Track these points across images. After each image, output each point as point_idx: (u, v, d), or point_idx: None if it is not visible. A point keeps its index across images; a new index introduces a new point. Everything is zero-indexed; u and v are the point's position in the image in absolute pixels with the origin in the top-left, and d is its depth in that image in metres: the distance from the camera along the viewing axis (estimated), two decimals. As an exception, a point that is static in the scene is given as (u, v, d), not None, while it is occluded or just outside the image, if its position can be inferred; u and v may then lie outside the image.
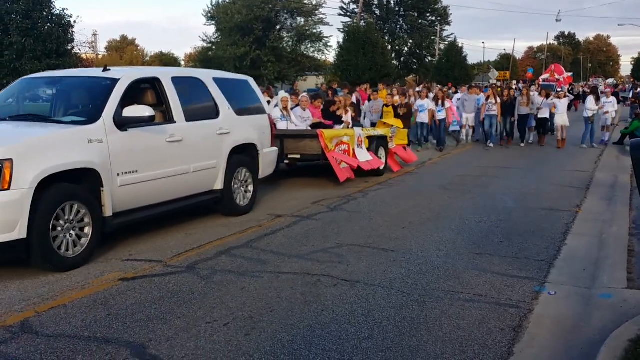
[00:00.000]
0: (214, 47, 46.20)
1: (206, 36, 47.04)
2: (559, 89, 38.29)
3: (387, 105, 15.11)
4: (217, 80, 8.12)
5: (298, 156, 10.40)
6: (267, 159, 8.87)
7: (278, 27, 46.23)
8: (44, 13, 23.78)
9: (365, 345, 4.11)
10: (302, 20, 46.93)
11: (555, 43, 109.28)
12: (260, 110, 8.85)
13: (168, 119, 7.12)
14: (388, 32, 54.46)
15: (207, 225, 7.61)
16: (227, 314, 4.65)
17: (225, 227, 7.55)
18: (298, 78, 44.73)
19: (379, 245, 6.67)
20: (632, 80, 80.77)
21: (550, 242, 6.78)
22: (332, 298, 4.99)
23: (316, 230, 7.40)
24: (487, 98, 17.06)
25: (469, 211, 8.46)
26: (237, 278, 5.52)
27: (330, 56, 47.08)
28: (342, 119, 12.44)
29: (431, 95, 18.38)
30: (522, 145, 17.36)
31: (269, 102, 15.01)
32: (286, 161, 10.59)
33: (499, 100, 16.89)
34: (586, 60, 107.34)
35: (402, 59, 55.89)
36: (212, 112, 7.81)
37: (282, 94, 11.92)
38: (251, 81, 9.08)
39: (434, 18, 56.62)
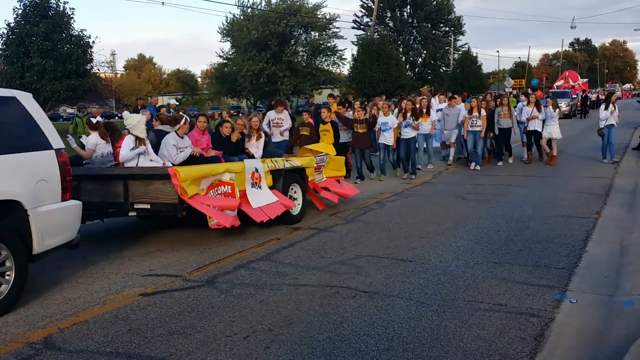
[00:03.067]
0: (229, 63, 46.72)
1: (222, 52, 47.63)
2: (574, 96, 38.06)
3: (324, 122, 11.95)
4: None
5: (147, 206, 7.05)
6: (52, 220, 5.60)
7: (293, 42, 46.61)
8: (64, 35, 24.32)
9: (385, 357, 4.09)
10: (316, 34, 47.30)
11: (571, 50, 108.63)
12: (39, 144, 5.64)
13: None
14: (402, 43, 54.62)
15: (226, 238, 7.63)
16: (247, 327, 4.67)
17: (244, 240, 7.59)
18: (313, 91, 44.94)
19: (397, 255, 6.66)
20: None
21: (570, 250, 6.71)
22: (351, 310, 4.99)
23: (333, 242, 7.42)
24: (470, 111, 14.00)
25: (487, 220, 8.41)
26: (256, 291, 5.55)
27: (345, 69, 47.28)
28: (246, 149, 9.29)
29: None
30: (500, 164, 14.70)
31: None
32: (132, 213, 7.31)
33: (484, 113, 13.89)
34: (602, 66, 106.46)
35: (416, 70, 55.96)
36: None
37: (132, 115, 8.03)
38: (23, 98, 5.75)
39: (447, 28, 56.67)
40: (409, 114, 12.77)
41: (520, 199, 10.06)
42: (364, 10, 55.30)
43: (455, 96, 16.54)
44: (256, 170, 8.00)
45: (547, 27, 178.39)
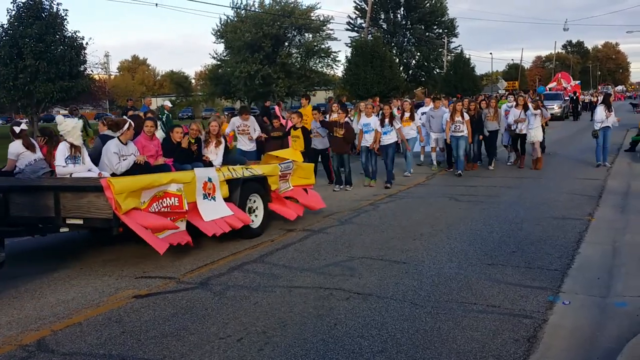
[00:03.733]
0: (223, 65, 46.69)
1: (216, 53, 47.58)
2: (566, 98, 38.16)
3: (295, 128, 11.44)
4: None
5: (80, 221, 6.27)
6: None
7: (287, 43, 46.63)
8: (57, 36, 24.23)
9: (379, 359, 4.10)
10: (310, 36, 47.32)
11: (563, 52, 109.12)
12: None
13: None
14: (395, 45, 54.76)
15: (220, 241, 7.59)
16: (241, 329, 4.67)
17: (238, 242, 7.58)
18: (308, 93, 45.03)
19: (391, 257, 6.67)
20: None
21: (563, 251, 6.74)
22: (345, 311, 5.00)
23: (327, 243, 7.42)
24: (452, 115, 13.11)
25: (481, 222, 8.43)
26: (250, 293, 5.55)
27: (339, 71, 47.38)
28: (203, 156, 8.37)
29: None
30: (491, 167, 14.20)
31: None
32: (64, 229, 6.48)
33: (467, 117, 13.11)
34: (595, 68, 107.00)
35: (410, 72, 56.10)
36: None
37: (67, 120, 7.15)
38: None
39: (441, 30, 56.86)
40: (386, 120, 12.02)
41: (513, 200, 10.10)
42: (357, 12, 55.41)
43: (440, 97, 15.90)
44: (209, 179, 7.30)
45: (540, 29, 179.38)
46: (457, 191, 11.25)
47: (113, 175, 6.94)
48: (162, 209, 6.57)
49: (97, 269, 6.53)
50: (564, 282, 5.67)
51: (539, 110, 13.95)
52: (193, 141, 8.28)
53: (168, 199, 6.64)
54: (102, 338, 4.56)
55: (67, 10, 24.83)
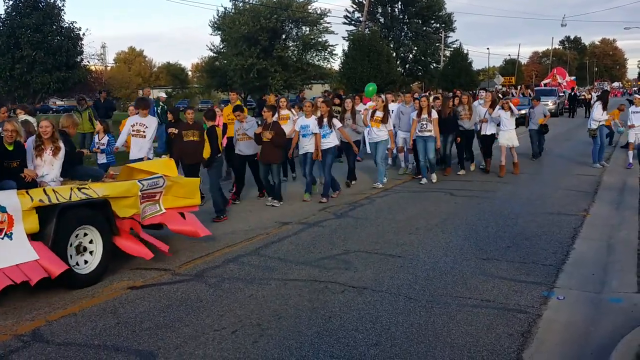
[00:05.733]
0: (220, 57, 46.53)
1: (213, 46, 47.38)
2: (561, 94, 38.05)
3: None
4: None
5: None
6: None
7: (284, 36, 46.47)
8: (54, 26, 24.16)
9: (374, 352, 4.11)
10: (307, 29, 47.16)
11: (561, 48, 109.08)
12: None
13: None
14: (393, 39, 54.60)
15: (215, 233, 7.58)
16: (235, 321, 4.67)
17: (233, 234, 7.58)
18: (304, 86, 44.88)
19: (386, 251, 6.68)
20: (639, 83, 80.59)
21: (558, 247, 6.76)
22: (340, 305, 5.00)
23: (323, 237, 7.42)
24: (419, 113, 11.37)
25: (476, 216, 8.45)
26: (245, 285, 5.55)
27: (336, 64, 47.29)
28: (24, 176, 5.95)
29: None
30: (460, 173, 12.56)
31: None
32: None
33: (435, 115, 11.31)
34: (592, 64, 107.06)
35: (407, 66, 55.98)
36: None
37: None
38: None
39: (438, 25, 56.75)
40: (324, 120, 10.00)
41: (508, 196, 10.11)
42: (355, 6, 55.20)
43: (411, 91, 14.52)
44: (1, 209, 5.00)
45: (537, 25, 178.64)
46: (453, 186, 11.25)
47: None
48: None
49: (92, 260, 6.50)
50: (558, 278, 5.70)
51: (510, 113, 12.27)
52: (11, 148, 6.00)
53: None
54: (97, 329, 4.56)
55: (64, 0, 24.74)
